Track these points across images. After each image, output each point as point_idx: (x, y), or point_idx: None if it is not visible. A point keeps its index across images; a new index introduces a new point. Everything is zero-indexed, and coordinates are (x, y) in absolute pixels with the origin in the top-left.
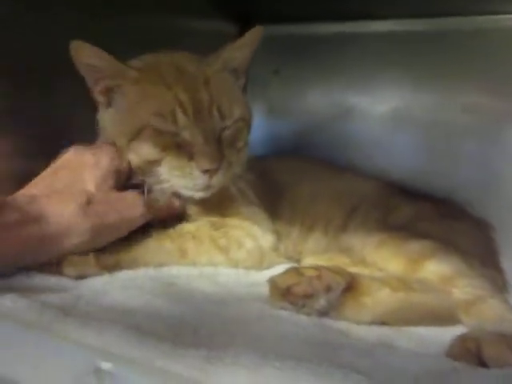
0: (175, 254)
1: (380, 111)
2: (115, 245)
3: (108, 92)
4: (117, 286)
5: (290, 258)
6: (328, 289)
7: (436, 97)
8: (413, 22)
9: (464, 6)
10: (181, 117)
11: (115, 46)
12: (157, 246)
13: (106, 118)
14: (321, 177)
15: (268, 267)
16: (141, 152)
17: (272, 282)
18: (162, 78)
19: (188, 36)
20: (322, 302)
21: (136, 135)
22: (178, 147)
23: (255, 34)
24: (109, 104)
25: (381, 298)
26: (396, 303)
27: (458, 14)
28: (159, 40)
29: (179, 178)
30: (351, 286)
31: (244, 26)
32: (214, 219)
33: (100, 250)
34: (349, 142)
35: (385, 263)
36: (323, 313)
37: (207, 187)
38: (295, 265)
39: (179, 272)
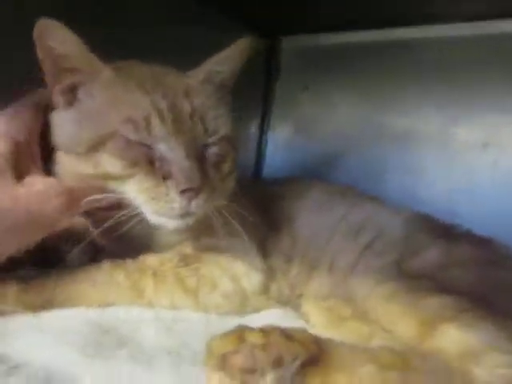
0: (128, 292)
1: (419, 133)
2: (49, 275)
3: (72, 90)
4: (37, 329)
5: (286, 302)
6: (278, 363)
7: (486, 118)
8: (464, 25)
9: None
10: (157, 125)
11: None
12: (106, 279)
13: (63, 121)
14: (335, 205)
15: (254, 312)
16: (103, 165)
17: (208, 345)
18: (138, 83)
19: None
20: (268, 381)
21: (99, 144)
22: (151, 163)
23: (241, 45)
24: (69, 104)
25: (360, 377)
26: None
27: None
28: (183, 53)
29: (151, 201)
30: (319, 359)
31: (273, 39)
32: (187, 251)
33: (26, 282)
34: (382, 167)
35: (392, 323)
36: None
37: (185, 214)
38: (290, 310)
39: (127, 314)
